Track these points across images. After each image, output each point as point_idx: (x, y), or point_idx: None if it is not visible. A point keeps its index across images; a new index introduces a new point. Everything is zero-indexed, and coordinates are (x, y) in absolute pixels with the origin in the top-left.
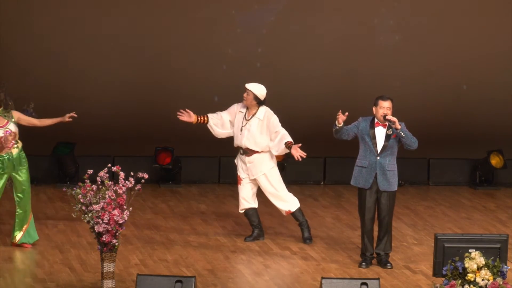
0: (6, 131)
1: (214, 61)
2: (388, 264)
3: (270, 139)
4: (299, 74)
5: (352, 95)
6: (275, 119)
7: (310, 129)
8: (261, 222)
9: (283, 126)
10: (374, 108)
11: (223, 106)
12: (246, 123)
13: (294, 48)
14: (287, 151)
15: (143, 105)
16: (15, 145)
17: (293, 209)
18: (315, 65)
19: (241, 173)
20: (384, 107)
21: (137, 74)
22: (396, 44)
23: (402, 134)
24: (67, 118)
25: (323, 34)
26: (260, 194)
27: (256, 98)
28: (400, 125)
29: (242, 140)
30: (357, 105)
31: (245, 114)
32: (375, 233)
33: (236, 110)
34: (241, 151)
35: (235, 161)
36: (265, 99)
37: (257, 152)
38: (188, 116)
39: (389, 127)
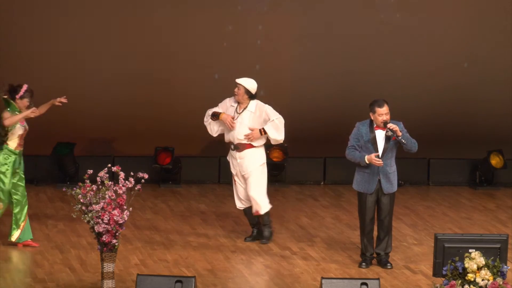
0: (26, 128)
1: (214, 39)
2: (388, 264)
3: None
4: (298, 55)
5: (352, 94)
6: (268, 108)
7: (311, 129)
8: (260, 221)
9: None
10: (371, 115)
11: (223, 84)
12: (237, 117)
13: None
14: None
15: (143, 104)
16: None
17: (261, 212)
18: (315, 47)
19: (232, 169)
20: (383, 114)
21: (137, 70)
22: (396, 44)
23: (403, 141)
24: (57, 102)
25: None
26: None
27: (247, 92)
28: (398, 125)
29: (234, 134)
30: (358, 105)
31: (236, 108)
32: (375, 233)
33: (228, 104)
34: (232, 146)
35: (227, 158)
36: (256, 93)
37: (249, 146)
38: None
39: (389, 130)
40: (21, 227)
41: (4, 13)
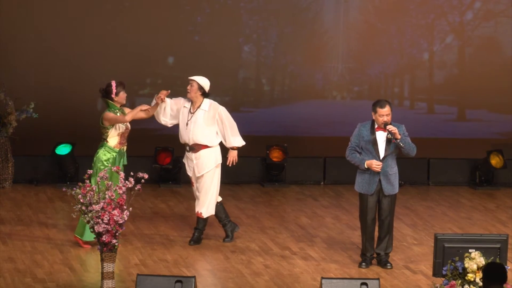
0: (127, 127)
1: (213, 40)
2: (388, 264)
3: (222, 131)
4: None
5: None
6: (222, 109)
7: (311, 129)
8: (228, 215)
9: (284, 124)
10: (373, 115)
11: (222, 84)
12: (191, 117)
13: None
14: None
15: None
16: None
17: (204, 215)
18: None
19: (188, 172)
20: (384, 114)
21: (136, 72)
22: (395, 44)
23: (402, 145)
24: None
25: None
26: (259, 194)
27: (200, 88)
28: (399, 129)
29: (189, 135)
30: (357, 105)
31: (190, 109)
32: (375, 233)
33: (181, 104)
34: (188, 147)
35: (183, 160)
36: (209, 92)
37: (204, 147)
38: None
39: (389, 132)
40: None
41: (4, 13)
